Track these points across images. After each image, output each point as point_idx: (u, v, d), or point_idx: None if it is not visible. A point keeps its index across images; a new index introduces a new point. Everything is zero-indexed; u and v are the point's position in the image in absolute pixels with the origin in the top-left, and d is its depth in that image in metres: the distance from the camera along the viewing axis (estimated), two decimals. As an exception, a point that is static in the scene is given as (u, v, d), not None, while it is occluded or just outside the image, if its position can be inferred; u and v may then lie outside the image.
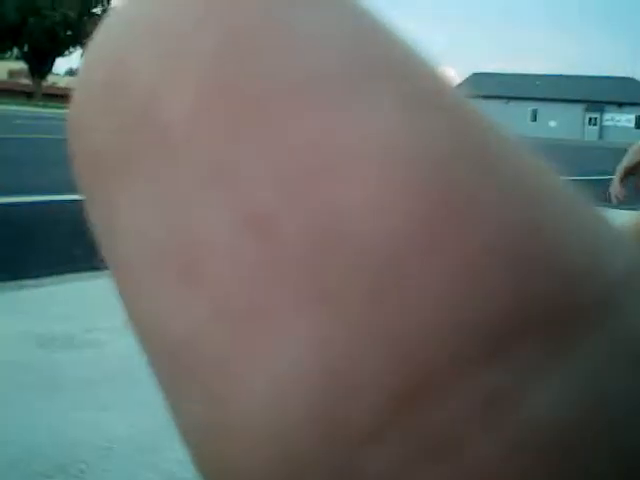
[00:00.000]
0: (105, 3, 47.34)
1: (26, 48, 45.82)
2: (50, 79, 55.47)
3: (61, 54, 49.46)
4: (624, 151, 1.96)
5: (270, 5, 0.13)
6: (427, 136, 0.12)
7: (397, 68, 0.13)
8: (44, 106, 37.75)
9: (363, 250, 0.12)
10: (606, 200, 2.00)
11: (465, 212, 0.12)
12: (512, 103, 53.80)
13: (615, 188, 2.12)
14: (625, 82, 55.92)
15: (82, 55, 0.16)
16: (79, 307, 3.70)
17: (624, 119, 53.65)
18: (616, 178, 1.99)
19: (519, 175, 0.13)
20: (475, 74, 60.21)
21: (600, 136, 52.76)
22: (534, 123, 53.64)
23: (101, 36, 0.14)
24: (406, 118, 0.12)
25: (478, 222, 0.12)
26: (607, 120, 54.10)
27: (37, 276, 4.10)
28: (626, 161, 1.92)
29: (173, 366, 0.13)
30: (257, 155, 0.12)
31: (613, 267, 0.12)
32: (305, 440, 0.12)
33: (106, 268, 0.14)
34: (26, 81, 48.39)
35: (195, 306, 0.12)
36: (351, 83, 0.13)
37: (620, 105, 54.28)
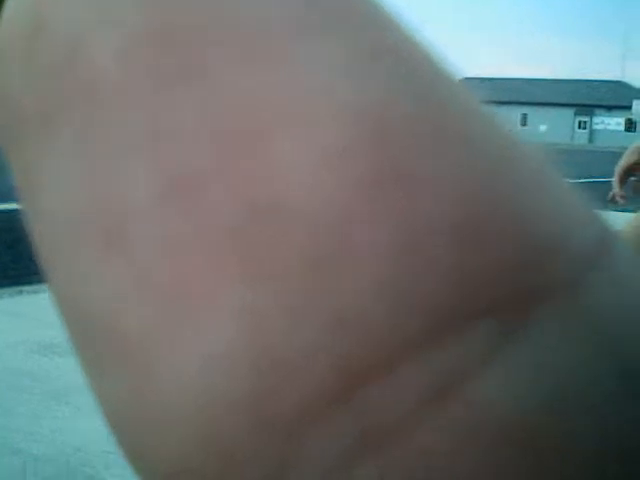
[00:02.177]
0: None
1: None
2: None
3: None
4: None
5: None
6: (377, 96, 0.11)
7: (355, 21, 0.12)
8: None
9: (300, 218, 0.11)
10: (612, 202, 1.99)
11: (415, 180, 0.11)
12: (502, 108, 53.51)
13: (615, 189, 2.11)
14: (614, 85, 56.08)
15: None
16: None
17: (614, 122, 53.77)
18: (615, 179, 1.98)
19: (481, 142, 0.12)
20: (465, 79, 60.14)
21: (590, 140, 52.88)
22: (524, 127, 53.69)
23: None
24: (356, 75, 0.11)
25: (429, 192, 0.11)
26: (597, 124, 54.22)
27: (35, 282, 4.08)
28: (624, 161, 1.91)
29: (94, 341, 0.12)
30: (190, 110, 0.11)
31: (583, 243, 0.11)
32: (234, 420, 0.11)
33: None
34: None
35: (117, 274, 0.11)
36: (299, 35, 0.11)
37: (609, 108, 54.42)
